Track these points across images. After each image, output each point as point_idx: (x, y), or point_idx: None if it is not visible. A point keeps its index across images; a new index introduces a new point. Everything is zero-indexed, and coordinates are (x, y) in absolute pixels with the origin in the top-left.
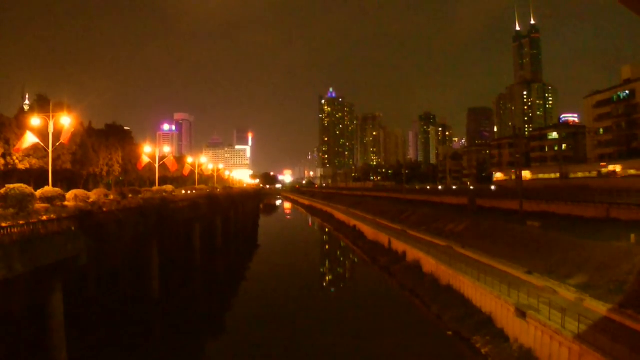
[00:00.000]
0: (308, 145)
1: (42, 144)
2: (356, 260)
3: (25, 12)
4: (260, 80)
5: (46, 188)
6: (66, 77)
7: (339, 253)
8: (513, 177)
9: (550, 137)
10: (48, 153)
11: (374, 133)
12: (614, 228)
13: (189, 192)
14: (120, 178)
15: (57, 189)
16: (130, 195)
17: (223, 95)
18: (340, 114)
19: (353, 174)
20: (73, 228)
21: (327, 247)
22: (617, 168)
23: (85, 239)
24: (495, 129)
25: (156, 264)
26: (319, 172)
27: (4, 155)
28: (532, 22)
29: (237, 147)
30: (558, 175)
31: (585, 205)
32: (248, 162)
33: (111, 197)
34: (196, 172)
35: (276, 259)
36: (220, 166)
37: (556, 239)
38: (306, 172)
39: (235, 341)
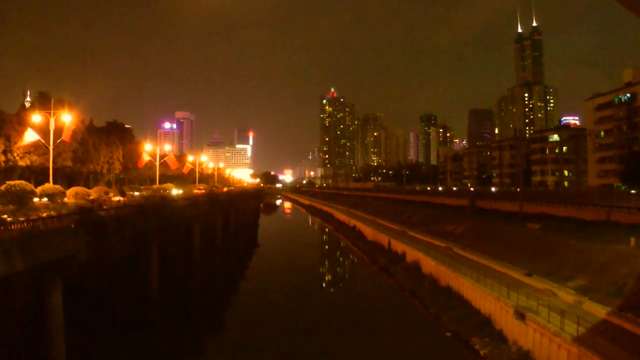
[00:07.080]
0: (309, 145)
1: (43, 141)
2: (356, 260)
3: (25, 11)
4: (262, 79)
5: (46, 185)
6: (67, 74)
7: (338, 253)
8: None
9: (551, 140)
10: (49, 150)
11: (375, 133)
12: (614, 231)
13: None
14: (121, 176)
15: (57, 186)
16: (130, 193)
17: (224, 94)
18: (341, 114)
19: (353, 174)
20: (73, 225)
21: (326, 247)
22: None
23: (85, 237)
24: (496, 131)
25: (156, 263)
26: (320, 172)
27: (4, 152)
28: (534, 24)
29: (238, 146)
30: None
31: (585, 207)
32: (249, 161)
33: (111, 194)
34: (196, 170)
35: (276, 258)
36: (221, 165)
37: (556, 241)
38: (306, 171)
39: (235, 341)
